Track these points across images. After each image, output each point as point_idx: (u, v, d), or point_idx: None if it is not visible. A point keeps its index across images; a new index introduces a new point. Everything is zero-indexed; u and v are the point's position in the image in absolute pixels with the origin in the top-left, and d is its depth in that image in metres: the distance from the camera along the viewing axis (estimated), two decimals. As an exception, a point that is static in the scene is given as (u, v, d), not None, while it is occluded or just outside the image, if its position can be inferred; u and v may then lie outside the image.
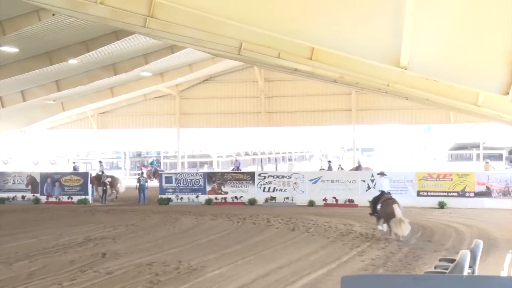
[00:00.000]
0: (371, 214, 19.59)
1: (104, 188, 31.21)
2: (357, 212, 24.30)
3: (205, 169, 47.42)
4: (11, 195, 31.18)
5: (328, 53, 8.48)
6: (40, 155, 48.66)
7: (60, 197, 30.72)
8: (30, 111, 39.21)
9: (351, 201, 27.17)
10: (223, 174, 30.60)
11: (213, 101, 41.84)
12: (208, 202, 29.07)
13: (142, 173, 32.71)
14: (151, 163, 44.44)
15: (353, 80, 12.94)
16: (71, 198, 30.59)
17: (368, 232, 19.17)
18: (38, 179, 31.29)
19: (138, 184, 30.68)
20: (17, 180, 31.60)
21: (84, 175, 31.74)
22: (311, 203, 27.76)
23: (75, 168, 37.83)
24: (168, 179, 30.07)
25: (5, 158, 46.46)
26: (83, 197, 30.57)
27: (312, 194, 28.01)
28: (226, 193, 29.29)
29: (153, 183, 36.20)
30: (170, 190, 29.79)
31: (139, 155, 57.37)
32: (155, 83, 37.62)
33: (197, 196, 29.26)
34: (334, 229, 19.94)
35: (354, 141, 39.50)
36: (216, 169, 49.32)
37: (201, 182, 29.62)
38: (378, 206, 18.92)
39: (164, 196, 29.74)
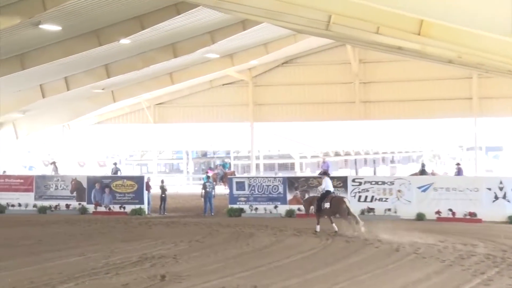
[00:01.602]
0: (314, 213, 23.75)
1: (163, 195, 31.84)
2: (481, 229, 24.01)
3: (286, 173, 46.98)
4: (53, 203, 32.10)
5: (441, 27, 8.34)
6: (87, 155, 50.03)
7: (111, 206, 31.56)
8: (75, 102, 41.31)
9: (472, 214, 26.92)
10: (307, 179, 30.59)
11: (294, 88, 42.09)
12: (289, 213, 29.29)
13: (208, 177, 33.39)
14: (223, 165, 45.22)
15: (474, 60, 12.63)
16: (124, 208, 31.39)
17: (497, 255, 18.69)
18: (85, 184, 32.06)
19: (203, 191, 31.26)
20: (60, 186, 32.37)
21: (139, 179, 32.29)
22: (420, 217, 27.71)
23: (115, 171, 38.88)
24: (240, 185, 30.25)
25: (47, 159, 47.88)
26: (137, 206, 31.18)
27: (421, 205, 27.92)
28: (311, 203, 29.54)
29: (221, 189, 37.10)
30: (242, 199, 30.08)
31: (204, 155, 58.38)
32: (224, 67, 38.14)
33: (275, 207, 29.47)
34: (450, 250, 19.65)
35: (475, 138, 38.70)
36: (299, 173, 49.87)
37: (281, 189, 29.80)
38: (327, 205, 23.49)
39: (235, 206, 30.01)
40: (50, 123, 43.76)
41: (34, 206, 32.23)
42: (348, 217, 23.46)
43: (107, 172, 43.11)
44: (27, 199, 32.37)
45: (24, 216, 30.57)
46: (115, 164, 40.85)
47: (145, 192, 31.51)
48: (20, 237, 22.97)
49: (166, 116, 45.60)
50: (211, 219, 28.88)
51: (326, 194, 24.23)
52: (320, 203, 24.10)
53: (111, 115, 46.88)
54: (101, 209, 31.56)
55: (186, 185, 47.04)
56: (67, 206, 31.88)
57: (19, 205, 32.34)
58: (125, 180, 32.16)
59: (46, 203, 32.14)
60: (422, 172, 34.38)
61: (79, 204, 31.87)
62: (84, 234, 24.19)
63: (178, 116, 44.93)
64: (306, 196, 28.28)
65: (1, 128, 42.19)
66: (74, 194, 32.10)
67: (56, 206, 31.91)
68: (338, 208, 23.63)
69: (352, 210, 23.78)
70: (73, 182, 32.24)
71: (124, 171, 39.01)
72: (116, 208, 31.42)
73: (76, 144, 47.61)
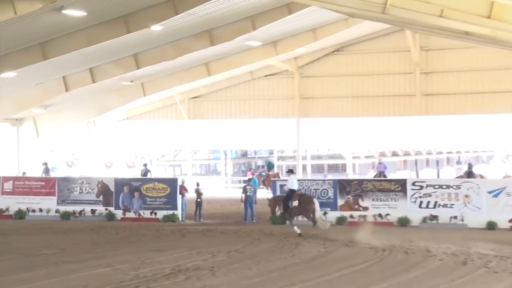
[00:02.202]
0: (281, 213, 26.52)
1: (199, 200, 31.98)
2: None
3: (336, 176, 47.16)
4: (77, 208, 32.23)
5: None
6: (114, 155, 50.27)
7: (141, 211, 31.65)
8: (101, 96, 41.89)
9: (553, 223, 26.88)
10: (361, 182, 30.53)
11: (345, 79, 42.08)
12: (341, 221, 29.28)
13: (250, 180, 33.46)
14: (267, 165, 45.17)
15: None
16: (155, 214, 31.50)
17: None
18: (112, 188, 32.23)
19: (243, 195, 31.32)
20: (85, 189, 32.57)
21: (172, 182, 32.36)
22: (491, 225, 27.39)
23: (145, 173, 38.96)
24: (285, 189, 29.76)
25: (70, 159, 48.92)
26: (170, 212, 31.25)
27: (493, 213, 27.64)
28: (365, 209, 29.32)
29: (262, 193, 36.77)
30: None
31: (244, 155, 58.46)
32: (266, 55, 38.10)
33: (324, 213, 29.13)
34: (526, 264, 19.41)
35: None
36: (351, 175, 49.65)
37: (330, 193, 29.79)
38: (295, 203, 25.73)
39: (278, 212, 29.29)
40: (74, 119, 44.36)
41: (57, 211, 32.39)
42: (312, 218, 25.59)
43: (137, 174, 43.34)
44: (49, 204, 32.58)
45: (46, 223, 30.73)
46: (145, 165, 41.01)
47: (179, 197, 31.55)
48: (42, 246, 23.13)
49: (202, 111, 46.01)
50: (252, 227, 28.96)
51: (291, 192, 26.30)
52: (288, 202, 26.07)
53: (140, 110, 47.39)
54: (130, 215, 31.68)
55: (224, 189, 47.26)
56: (93, 211, 32.03)
57: (40, 210, 32.51)
58: (156, 183, 32.21)
59: (69, 208, 32.31)
60: (469, 174, 34.21)
61: (106, 209, 32.03)
62: (111, 243, 24.32)
63: (216, 112, 45.36)
64: (360, 201, 28.58)
65: (20, 125, 42.79)
66: (101, 198, 32.26)
67: (81, 211, 32.09)
68: (305, 207, 25.74)
69: (318, 213, 26.03)
70: (99, 185, 32.35)
71: (156, 173, 38.94)
72: (146, 214, 31.52)
73: (103, 143, 47.96)
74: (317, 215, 25.88)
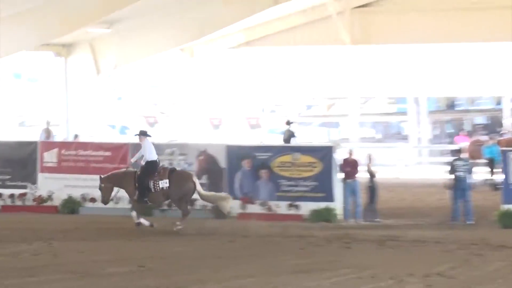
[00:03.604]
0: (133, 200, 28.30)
1: (370, 184, 32.10)
2: None
3: None
4: None
5: None
6: (224, 107, 52.40)
7: (273, 203, 31.48)
8: (201, 8, 42.54)
9: None
10: None
11: None
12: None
13: (459, 151, 33.60)
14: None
15: None
16: (297, 208, 31.32)
17: None
18: (223, 163, 32.45)
19: (454, 176, 31.01)
20: (178, 163, 32.33)
21: (325, 153, 32.05)
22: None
23: (288, 136, 39.59)
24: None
25: (151, 113, 50.37)
26: (323, 204, 31.00)
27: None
28: None
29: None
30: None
31: (450, 106, 60.71)
32: None
33: None
34: None
35: None
36: None
37: None
38: (163, 183, 27.96)
39: None
40: (156, 45, 45.94)
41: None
42: (187, 207, 28.31)
43: (265, 138, 47.07)
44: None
45: (113, 220, 30.53)
46: (288, 123, 41.44)
47: (337, 178, 31.44)
48: (110, 260, 23.15)
49: (375, 30, 47.42)
50: (468, 232, 28.63)
51: (152, 166, 28.19)
52: (145, 181, 27.87)
53: (268, 29, 48.96)
54: (254, 208, 31.65)
55: (415, 165, 48.94)
56: (191, 201, 31.16)
57: None
58: (298, 154, 31.98)
59: None
60: None
61: None
62: (222, 257, 24.08)
63: (399, 31, 46.30)
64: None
65: (70, 55, 45.19)
66: (204, 178, 31.91)
67: (170, 202, 31.05)
68: (181, 188, 28.24)
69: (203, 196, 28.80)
70: (201, 158, 32.58)
71: (299, 136, 39.93)
72: (281, 207, 31.42)
73: (205, 84, 50.27)
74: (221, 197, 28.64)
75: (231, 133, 49.28)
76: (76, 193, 32.96)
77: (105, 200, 28.87)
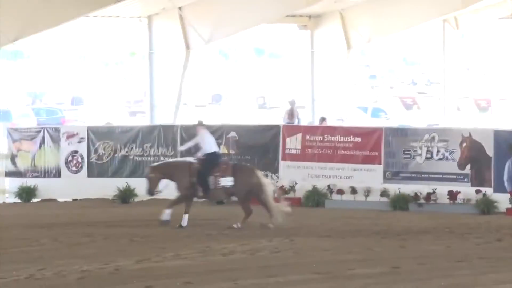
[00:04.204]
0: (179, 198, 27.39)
1: None
2: None
3: None
4: (421, 188, 31.93)
5: None
6: (492, 88, 50.55)
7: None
8: None
9: None
10: None
11: None
12: None
13: None
14: None
15: None
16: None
17: None
18: (491, 149, 31.55)
19: None
20: (438, 151, 32.22)
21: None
22: None
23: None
24: None
25: (410, 93, 49.57)
26: None
27: None
28: None
29: None
30: None
31: None
32: None
33: None
34: None
35: None
36: None
37: None
38: (225, 181, 26.55)
39: None
40: (415, 16, 45.29)
41: (383, 193, 32.34)
42: (269, 203, 26.36)
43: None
44: (369, 179, 32.72)
45: (363, 214, 30.55)
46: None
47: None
48: (358, 260, 22.48)
49: None
50: None
51: (213, 159, 26.99)
52: (205, 177, 26.58)
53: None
54: None
55: None
56: (452, 195, 31.52)
57: (353, 190, 32.54)
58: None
59: (406, 188, 32.05)
60: None
61: (478, 191, 31.07)
62: (486, 258, 22.78)
63: None
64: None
65: (315, 28, 44.88)
66: (467, 169, 31.56)
67: (429, 195, 31.51)
68: (245, 185, 26.54)
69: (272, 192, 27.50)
70: (464, 145, 31.83)
71: None
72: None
73: (471, 60, 48.48)
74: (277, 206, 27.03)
75: (500, 117, 46.50)
76: (322, 184, 32.53)
77: (150, 192, 28.40)
